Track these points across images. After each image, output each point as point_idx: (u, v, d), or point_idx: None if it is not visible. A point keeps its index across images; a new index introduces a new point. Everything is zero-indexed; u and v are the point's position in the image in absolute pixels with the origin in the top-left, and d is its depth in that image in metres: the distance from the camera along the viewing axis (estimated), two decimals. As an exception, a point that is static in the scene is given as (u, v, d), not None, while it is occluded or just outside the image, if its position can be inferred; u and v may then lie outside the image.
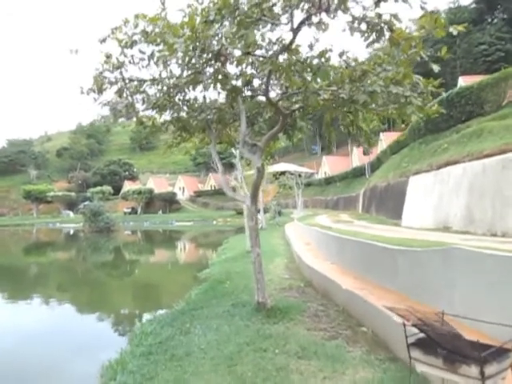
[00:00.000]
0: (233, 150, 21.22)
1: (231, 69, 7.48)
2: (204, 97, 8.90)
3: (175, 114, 9.24)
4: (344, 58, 5.57)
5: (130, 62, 6.60)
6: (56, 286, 20.13)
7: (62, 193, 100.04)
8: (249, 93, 7.76)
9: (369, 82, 5.68)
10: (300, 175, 58.26)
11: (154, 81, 6.87)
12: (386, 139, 56.66)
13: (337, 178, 64.03)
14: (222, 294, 10.11)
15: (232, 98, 6.89)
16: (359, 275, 8.70)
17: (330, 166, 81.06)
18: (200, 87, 8.73)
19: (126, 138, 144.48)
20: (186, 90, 8.16)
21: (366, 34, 5.57)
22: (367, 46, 5.58)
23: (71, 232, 61.65)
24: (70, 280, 21.98)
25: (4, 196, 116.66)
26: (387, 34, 4.91)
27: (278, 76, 6.33)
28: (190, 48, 4.82)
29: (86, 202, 59.98)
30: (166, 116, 9.48)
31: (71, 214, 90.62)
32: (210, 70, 6.42)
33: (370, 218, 25.74)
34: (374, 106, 6.93)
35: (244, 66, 7.13)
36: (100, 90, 8.46)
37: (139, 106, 9.17)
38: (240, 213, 66.82)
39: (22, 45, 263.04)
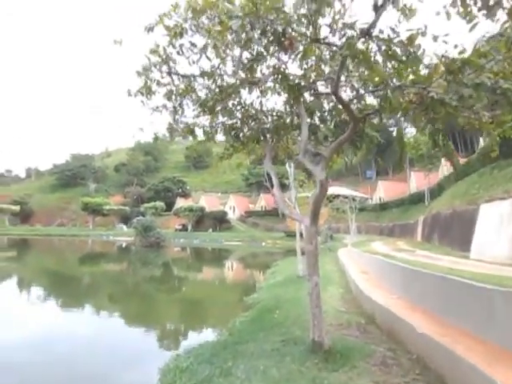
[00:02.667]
0: (287, 168, 20.13)
1: (293, 68, 6.49)
2: (261, 102, 7.97)
3: (228, 121, 8.37)
4: (439, 43, 4.39)
5: (178, 54, 5.76)
6: (104, 297, 20.64)
7: (118, 207, 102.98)
8: (311, 96, 6.71)
9: (470, 76, 4.46)
10: (354, 199, 56.36)
11: (205, 75, 5.98)
12: (447, 165, 53.61)
13: (392, 204, 61.29)
14: (271, 325, 8.91)
15: (293, 99, 5.86)
16: (435, 316, 7.24)
17: (385, 190, 78.00)
18: (256, 93, 7.85)
19: (181, 157, 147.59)
20: (241, 91, 7.24)
21: (468, 15, 4.40)
22: (471, 30, 4.40)
23: (123, 245, 62.73)
24: (117, 292, 22.33)
25: (64, 207, 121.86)
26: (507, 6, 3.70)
27: (353, 67, 5.26)
28: (248, 27, 3.87)
29: (139, 217, 60.82)
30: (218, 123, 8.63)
31: (124, 227, 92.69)
32: (269, 62, 5.48)
33: (433, 248, 23.63)
34: (469, 109, 5.66)
35: (310, 61, 6.11)
36: (148, 92, 7.75)
37: (188, 112, 8.40)
38: (290, 235, 65.35)
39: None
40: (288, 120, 8.16)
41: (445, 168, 53.76)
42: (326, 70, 6.24)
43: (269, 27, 3.99)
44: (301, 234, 22.33)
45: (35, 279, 27.04)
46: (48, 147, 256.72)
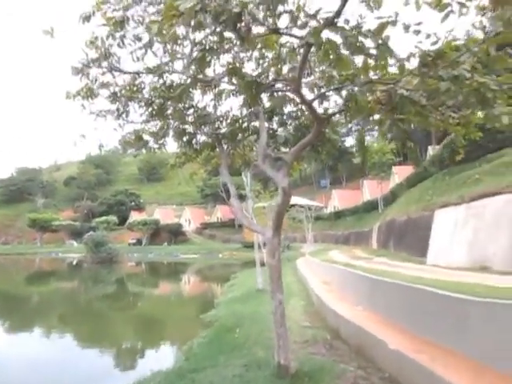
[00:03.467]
0: (243, 178, 19.59)
1: (250, 67, 5.95)
2: (215, 105, 7.38)
3: (179, 125, 7.72)
4: (411, 34, 3.98)
5: (119, 46, 5.07)
6: (53, 318, 19.64)
7: (67, 222, 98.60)
8: (270, 96, 6.19)
9: (447, 68, 4.08)
10: (310, 208, 56.63)
11: (151, 72, 5.32)
12: (399, 172, 55.08)
13: (347, 213, 62.18)
14: (231, 346, 8.23)
15: (251, 100, 5.31)
16: (405, 329, 6.83)
17: (339, 199, 79.14)
18: (210, 95, 7.27)
19: (134, 169, 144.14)
20: (193, 93, 6.63)
21: (439, 4, 4.05)
22: (443, 20, 4.04)
23: (74, 262, 60.01)
24: (67, 312, 21.32)
25: (10, 224, 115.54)
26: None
27: (317, 62, 4.78)
28: (198, 8, 3.29)
29: (91, 232, 58.34)
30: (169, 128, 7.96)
31: (75, 243, 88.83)
32: (223, 61, 4.95)
33: (390, 255, 23.75)
34: (436, 109, 5.33)
35: (267, 59, 5.59)
36: (89, 94, 6.98)
37: (136, 116, 7.68)
38: (247, 246, 64.79)
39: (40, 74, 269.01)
40: (245, 124, 7.61)
41: (396, 176, 55.22)
42: (285, 69, 5.75)
43: (223, 8, 3.41)
44: (259, 245, 21.94)
45: None
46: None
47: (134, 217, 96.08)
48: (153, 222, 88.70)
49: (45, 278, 42.12)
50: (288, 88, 5.02)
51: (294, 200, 64.10)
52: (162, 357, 11.20)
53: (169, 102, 6.11)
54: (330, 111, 5.48)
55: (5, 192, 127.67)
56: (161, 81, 5.75)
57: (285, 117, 6.83)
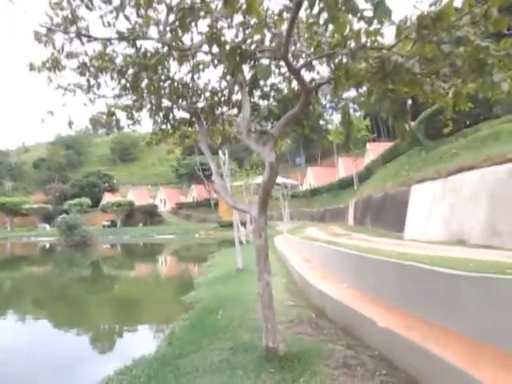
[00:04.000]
0: (220, 155, 19.14)
1: (231, 34, 5.53)
2: (192, 77, 6.94)
3: (154, 99, 7.27)
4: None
5: (88, 8, 4.57)
6: (27, 303, 19.07)
7: (38, 205, 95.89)
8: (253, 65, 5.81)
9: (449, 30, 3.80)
10: (286, 186, 56.69)
11: (123, 38, 4.85)
12: (373, 149, 55.54)
13: (323, 190, 62.53)
14: (215, 329, 7.98)
15: (233, 68, 4.91)
16: (394, 306, 6.72)
17: (314, 177, 79.64)
18: (187, 66, 6.83)
19: (107, 149, 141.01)
20: (170, 64, 6.19)
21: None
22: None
23: (47, 246, 58.65)
24: (41, 296, 20.73)
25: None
26: None
27: (306, 25, 4.40)
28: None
29: (63, 215, 56.87)
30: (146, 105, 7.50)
31: (47, 227, 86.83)
32: (202, 29, 4.53)
33: (368, 231, 23.89)
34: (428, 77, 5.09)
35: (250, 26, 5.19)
36: (56, 65, 6.44)
37: (108, 91, 7.20)
38: (223, 225, 64.70)
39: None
40: (224, 98, 7.21)
41: (370, 153, 55.63)
42: (269, 37, 5.35)
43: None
44: (242, 224, 21.75)
45: None
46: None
47: (108, 198, 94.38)
48: (127, 203, 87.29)
49: (17, 262, 40.93)
50: (273, 56, 4.65)
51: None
52: (143, 341, 10.83)
53: (143, 73, 5.65)
54: (316, 82, 5.15)
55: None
56: (134, 49, 5.28)
57: (267, 89, 6.46)
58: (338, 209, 48.15)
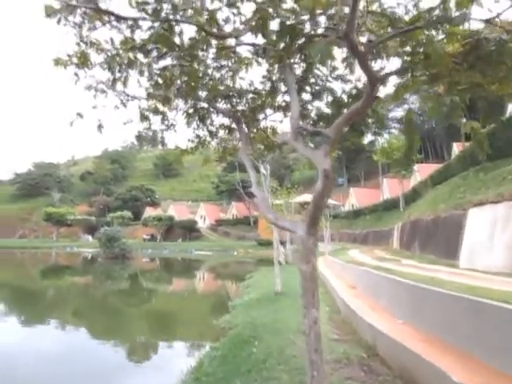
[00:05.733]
0: (262, 170, 18.15)
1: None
2: (233, 75, 6.10)
3: (190, 102, 6.49)
4: None
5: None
6: (68, 312, 19.79)
7: (82, 217, 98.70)
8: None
9: None
10: (328, 206, 55.31)
11: (154, 16, 4.03)
12: (421, 170, 53.15)
13: (366, 211, 60.43)
14: (249, 365, 6.93)
15: (286, 48, 3.98)
16: (468, 354, 5.45)
17: (357, 198, 77.45)
18: (227, 62, 6.01)
19: (150, 164, 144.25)
20: (206, 57, 5.37)
21: None
22: None
23: (89, 257, 59.67)
24: (82, 307, 21.32)
25: (26, 218, 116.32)
26: None
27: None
28: None
29: (105, 228, 57.79)
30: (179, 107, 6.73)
31: (90, 238, 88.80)
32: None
33: (416, 257, 22.19)
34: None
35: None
36: (84, 61, 5.77)
37: (139, 92, 6.49)
38: (262, 244, 63.59)
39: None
40: (268, 100, 6.32)
41: (417, 174, 53.28)
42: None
43: None
44: (281, 243, 20.68)
45: None
46: (9, 155, 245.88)
47: (149, 212, 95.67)
48: (167, 217, 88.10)
49: (60, 272, 41.75)
50: (333, 35, 3.71)
51: (310, 197, 62.93)
52: (171, 364, 10.37)
53: (176, 64, 4.85)
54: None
55: (22, 186, 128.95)
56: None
57: (317, 88, 5.49)
58: (381, 231, 46.23)
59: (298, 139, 4.42)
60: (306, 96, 6.10)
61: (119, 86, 6.17)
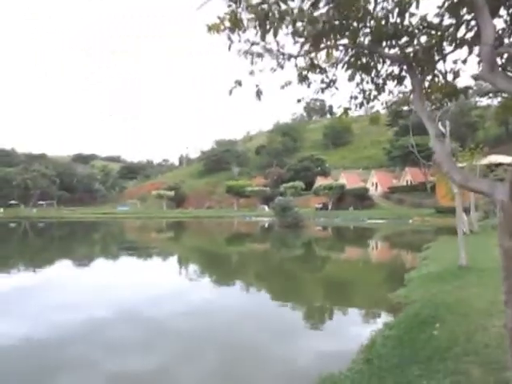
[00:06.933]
0: (440, 127, 15.90)
1: None
2: (400, 10, 5.11)
3: (350, 45, 5.75)
4: None
5: None
6: (251, 275, 21.51)
7: (259, 188, 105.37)
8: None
9: None
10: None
11: None
12: None
13: None
14: (429, 351, 5.99)
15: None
16: None
17: None
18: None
19: (320, 135, 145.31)
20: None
21: None
22: None
23: (265, 225, 63.30)
24: (260, 271, 22.88)
25: (212, 191, 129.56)
26: None
27: None
28: None
29: (279, 198, 60.44)
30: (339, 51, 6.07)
31: (266, 208, 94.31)
32: None
33: None
34: None
35: None
36: (235, 23, 5.50)
37: (294, 49, 6.04)
38: (441, 211, 58.45)
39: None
40: (447, 35, 5.15)
41: None
42: None
43: None
44: (465, 210, 18.27)
45: (190, 257, 29.14)
46: (197, 136, 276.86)
47: (320, 182, 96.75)
48: (338, 186, 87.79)
49: (242, 239, 45.22)
50: None
51: (501, 159, 54.87)
52: (342, 333, 10.27)
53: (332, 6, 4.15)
54: None
55: (207, 162, 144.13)
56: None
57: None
58: None
59: (495, 70, 3.30)
60: (499, 23, 4.77)
61: (270, 38, 5.76)
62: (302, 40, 5.92)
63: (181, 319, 11.69)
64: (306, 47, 6.13)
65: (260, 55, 6.14)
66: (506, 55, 3.59)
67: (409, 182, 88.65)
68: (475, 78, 4.35)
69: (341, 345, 9.05)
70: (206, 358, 8.61)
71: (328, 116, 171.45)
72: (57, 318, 11.59)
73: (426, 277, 13.73)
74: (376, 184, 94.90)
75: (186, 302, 14.12)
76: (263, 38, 5.19)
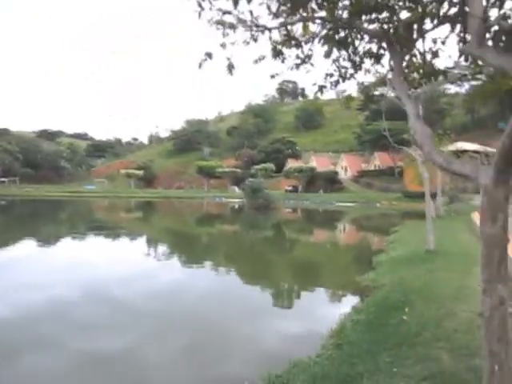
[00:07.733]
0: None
1: None
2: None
3: (327, 25, 5.47)
4: None
5: None
6: (221, 256, 21.45)
7: (230, 169, 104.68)
8: None
9: None
10: (487, 155, 49.16)
11: None
12: None
13: None
14: (399, 337, 5.92)
15: None
16: None
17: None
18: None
19: (291, 117, 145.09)
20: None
21: None
22: None
23: (236, 206, 63.16)
24: (229, 252, 22.88)
25: (182, 171, 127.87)
26: None
27: None
28: None
29: (250, 179, 60.21)
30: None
31: (236, 189, 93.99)
32: None
33: None
34: None
35: None
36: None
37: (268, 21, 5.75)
38: (408, 196, 59.67)
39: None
40: (430, 9, 4.92)
41: None
42: None
43: None
44: (432, 195, 18.51)
45: (159, 238, 28.76)
46: (167, 115, 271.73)
47: (291, 164, 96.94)
48: (309, 169, 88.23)
49: (211, 220, 44.87)
50: None
51: (466, 146, 56.23)
52: (309, 315, 10.20)
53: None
54: None
55: (177, 142, 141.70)
56: None
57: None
58: None
59: (483, 45, 3.08)
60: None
61: (243, 7, 5.43)
62: (276, 7, 5.62)
63: (149, 300, 11.52)
64: (282, 18, 5.83)
65: (232, 26, 5.79)
66: (492, 30, 3.36)
67: (377, 167, 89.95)
68: (461, 51, 4.12)
69: (309, 327, 8.99)
70: (174, 338, 8.47)
71: (300, 99, 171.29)
72: (21, 298, 11.15)
73: (394, 260, 13.84)
74: (346, 168, 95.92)
75: (155, 282, 13.93)
76: (235, 4, 4.84)
